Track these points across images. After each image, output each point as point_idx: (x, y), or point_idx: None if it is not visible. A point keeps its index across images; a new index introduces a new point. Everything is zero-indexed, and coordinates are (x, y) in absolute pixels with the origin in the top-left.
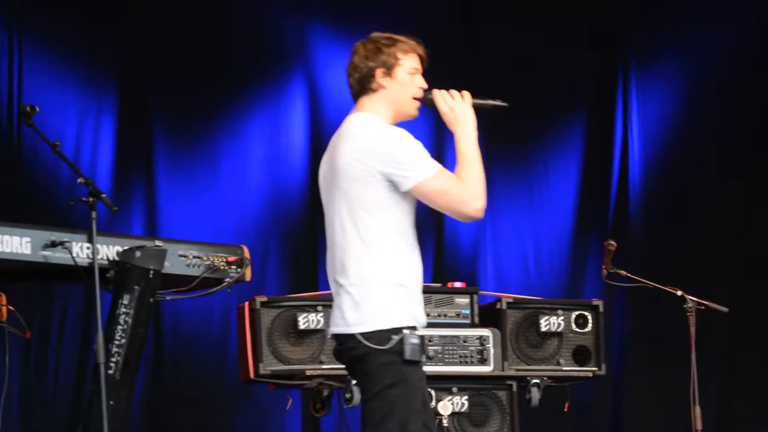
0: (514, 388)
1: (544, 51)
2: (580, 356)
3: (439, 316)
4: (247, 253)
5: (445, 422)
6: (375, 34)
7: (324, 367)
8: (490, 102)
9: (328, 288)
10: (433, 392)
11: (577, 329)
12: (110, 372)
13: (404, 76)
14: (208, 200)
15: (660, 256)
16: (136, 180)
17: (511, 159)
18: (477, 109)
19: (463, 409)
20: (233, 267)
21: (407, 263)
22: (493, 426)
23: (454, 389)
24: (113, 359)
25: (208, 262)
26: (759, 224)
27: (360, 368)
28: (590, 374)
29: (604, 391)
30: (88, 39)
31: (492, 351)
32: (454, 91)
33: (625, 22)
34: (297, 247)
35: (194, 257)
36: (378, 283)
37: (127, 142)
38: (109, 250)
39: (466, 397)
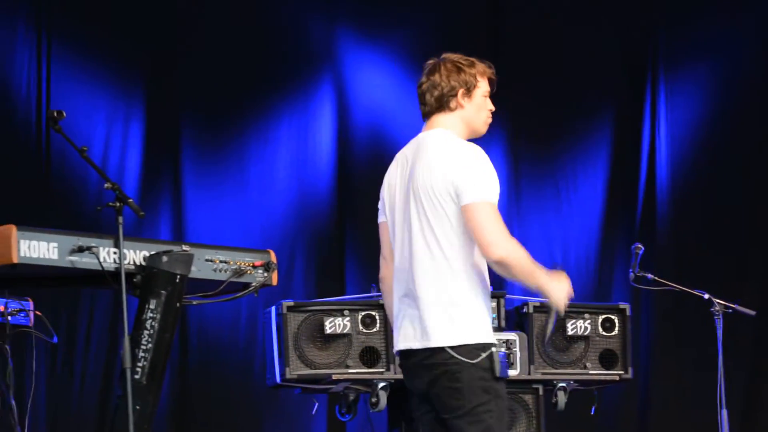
0: (541, 392)
1: (573, 52)
2: (606, 360)
3: None
4: (273, 258)
5: None
6: (450, 55)
7: (350, 371)
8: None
9: (354, 292)
10: None
11: (604, 333)
12: (136, 377)
13: (480, 98)
14: (236, 205)
15: (687, 259)
16: (163, 185)
17: (539, 161)
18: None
19: None
20: (260, 271)
21: (486, 280)
22: (520, 430)
23: None
24: (140, 364)
25: (234, 267)
26: None
27: (448, 384)
28: (617, 378)
29: (630, 395)
30: (116, 44)
31: (518, 355)
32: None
33: (657, 24)
34: (323, 252)
35: (221, 262)
36: (463, 298)
37: (155, 147)
38: (136, 255)
39: None
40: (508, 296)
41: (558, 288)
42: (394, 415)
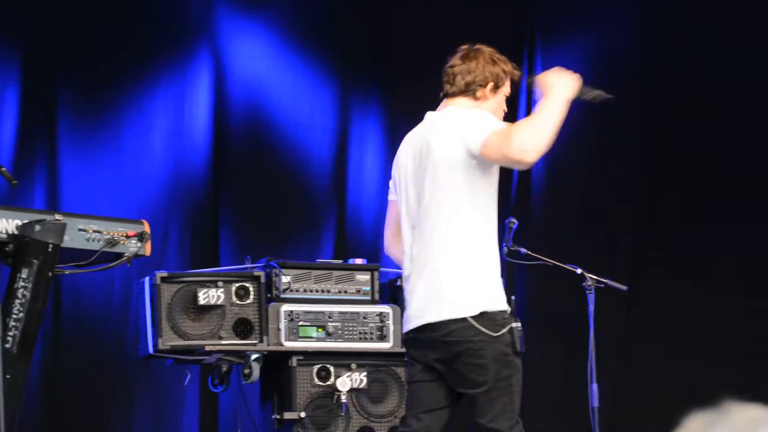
0: None
1: (451, 27)
2: None
3: (340, 292)
4: (147, 228)
5: (343, 398)
6: (485, 47)
7: (223, 342)
8: (597, 92)
9: (228, 264)
10: (332, 368)
11: None
12: (7, 346)
13: (502, 96)
14: (111, 174)
15: (561, 235)
16: (38, 153)
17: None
18: (581, 97)
19: (361, 386)
20: (133, 241)
21: (497, 253)
22: (392, 402)
23: (353, 365)
24: (10, 333)
25: (107, 237)
26: (663, 205)
27: (470, 360)
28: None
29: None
30: None
31: (392, 328)
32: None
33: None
34: (198, 223)
35: (94, 231)
36: (479, 271)
37: (30, 116)
38: (8, 224)
39: (365, 373)
40: (382, 270)
41: (566, 87)
42: (267, 387)
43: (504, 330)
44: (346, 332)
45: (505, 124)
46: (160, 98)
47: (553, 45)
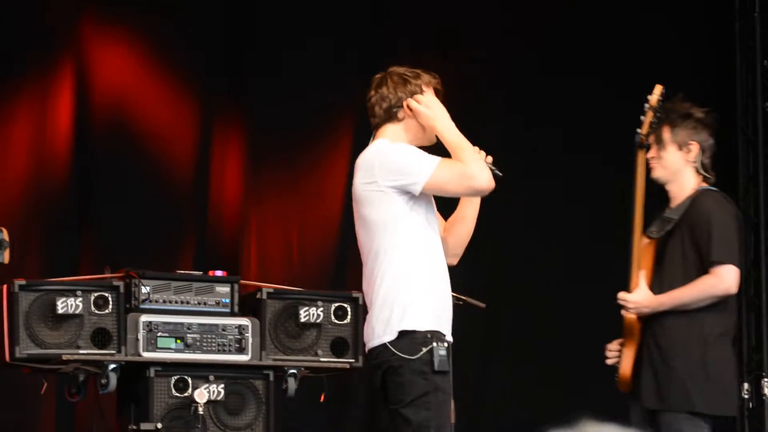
0: (271, 378)
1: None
2: (338, 348)
3: (199, 304)
4: (6, 236)
5: (200, 410)
6: (396, 68)
7: (81, 352)
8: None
9: (89, 273)
10: (189, 380)
11: (337, 321)
12: None
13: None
14: None
15: None
16: None
17: (278, 151)
18: None
19: (219, 398)
20: None
21: (431, 271)
22: (249, 415)
23: (211, 377)
24: None
25: None
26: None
27: (391, 378)
28: (347, 366)
29: (360, 383)
30: None
31: (251, 340)
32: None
33: None
34: (58, 232)
35: None
36: (404, 293)
37: None
38: None
39: (222, 385)
40: (242, 282)
41: (436, 105)
42: (124, 397)
43: (424, 350)
44: (205, 344)
45: (436, 159)
46: (22, 106)
47: None
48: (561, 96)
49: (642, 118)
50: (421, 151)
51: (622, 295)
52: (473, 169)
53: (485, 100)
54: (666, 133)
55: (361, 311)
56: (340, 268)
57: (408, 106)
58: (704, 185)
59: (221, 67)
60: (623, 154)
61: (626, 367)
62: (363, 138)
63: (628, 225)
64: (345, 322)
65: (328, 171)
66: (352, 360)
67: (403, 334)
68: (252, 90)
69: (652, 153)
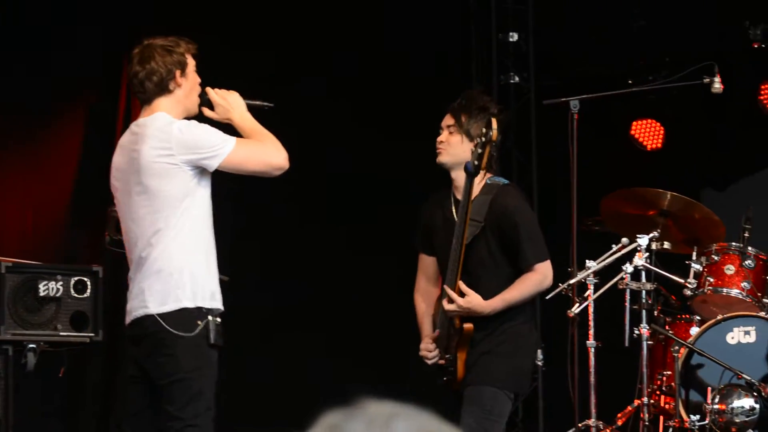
0: (11, 353)
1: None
2: (77, 322)
3: None
4: None
5: None
6: (154, 40)
7: None
8: (257, 102)
9: None
10: None
11: (76, 295)
12: None
13: (192, 74)
14: None
15: None
16: None
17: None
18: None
19: None
20: None
21: (211, 248)
22: None
23: None
24: None
25: None
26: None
27: (161, 351)
28: (87, 340)
29: (99, 357)
30: None
31: None
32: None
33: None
34: None
35: None
36: (185, 267)
37: None
38: None
39: None
40: None
41: (240, 104)
42: None
43: (200, 325)
44: None
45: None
46: None
47: None
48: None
49: (479, 150)
50: (216, 129)
51: (454, 301)
52: (270, 149)
53: None
54: (461, 121)
55: (101, 285)
56: (74, 242)
57: (205, 97)
58: (489, 175)
59: None
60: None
61: (462, 371)
62: (96, 116)
63: (458, 240)
64: (85, 296)
65: (61, 147)
66: (92, 334)
67: (180, 309)
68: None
69: (442, 137)
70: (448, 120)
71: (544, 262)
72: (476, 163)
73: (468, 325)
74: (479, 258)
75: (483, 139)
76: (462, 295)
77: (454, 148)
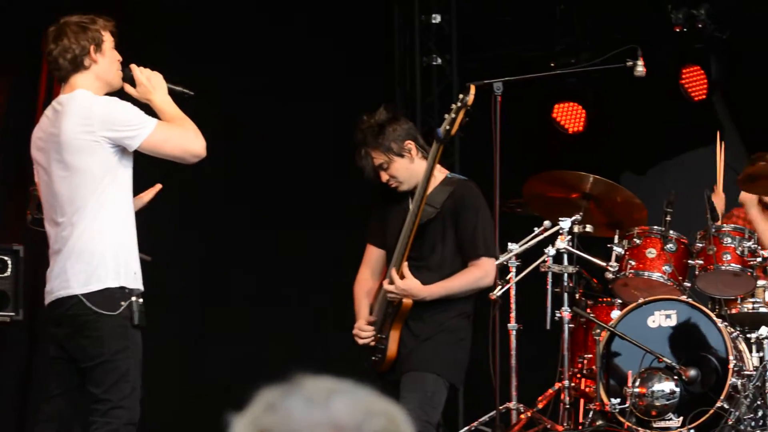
0: None
1: None
2: None
3: None
4: None
5: None
6: (70, 17)
7: None
8: (179, 88)
9: None
10: None
11: None
12: None
13: (110, 51)
14: None
15: None
16: None
17: None
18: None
19: None
20: None
21: (132, 227)
22: None
23: None
24: None
25: None
26: None
27: (87, 333)
28: (8, 319)
29: (19, 337)
30: None
31: None
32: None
33: None
34: None
35: None
36: (107, 247)
37: None
38: None
39: None
40: None
41: (162, 86)
42: None
43: (124, 305)
44: None
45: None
46: None
47: None
48: None
49: (452, 115)
50: (136, 108)
51: (394, 282)
52: (190, 135)
53: None
54: (384, 156)
55: (22, 264)
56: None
57: (129, 73)
58: (445, 172)
59: None
60: None
61: (393, 350)
62: (17, 92)
63: (411, 219)
64: (5, 275)
65: None
66: (12, 313)
67: (104, 289)
68: None
69: (385, 177)
70: (377, 159)
71: (490, 258)
72: (447, 128)
73: (407, 300)
74: (430, 243)
75: (459, 104)
76: (403, 277)
77: (403, 173)
